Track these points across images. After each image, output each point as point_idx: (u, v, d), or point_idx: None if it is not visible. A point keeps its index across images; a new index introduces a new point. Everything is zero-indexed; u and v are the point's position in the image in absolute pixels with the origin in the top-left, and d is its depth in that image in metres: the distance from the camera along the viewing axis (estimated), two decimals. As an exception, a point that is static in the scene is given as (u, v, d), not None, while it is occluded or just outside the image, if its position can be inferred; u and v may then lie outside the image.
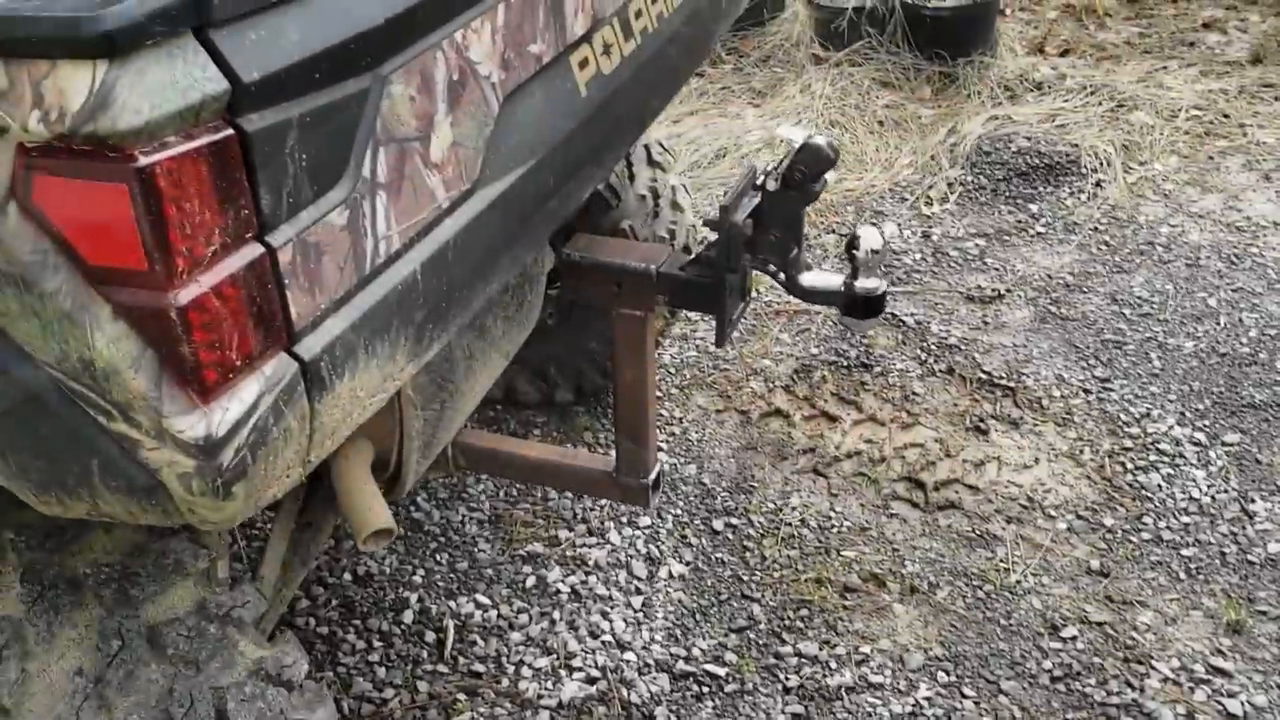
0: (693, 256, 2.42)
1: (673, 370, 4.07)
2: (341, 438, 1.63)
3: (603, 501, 3.50)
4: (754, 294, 2.45)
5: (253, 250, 1.34)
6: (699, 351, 4.16)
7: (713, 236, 2.32)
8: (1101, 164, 5.04)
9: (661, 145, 3.45)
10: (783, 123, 2.33)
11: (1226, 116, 5.40)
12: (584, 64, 2.06)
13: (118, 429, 1.36)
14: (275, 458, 1.45)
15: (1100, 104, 5.51)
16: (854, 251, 2.27)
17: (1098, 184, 4.96)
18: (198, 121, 1.24)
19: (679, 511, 3.48)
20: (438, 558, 3.34)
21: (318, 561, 3.34)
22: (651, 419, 2.69)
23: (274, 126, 1.33)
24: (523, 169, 1.89)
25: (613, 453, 2.84)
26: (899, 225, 4.82)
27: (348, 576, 3.29)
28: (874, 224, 2.26)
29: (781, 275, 2.32)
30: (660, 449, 3.67)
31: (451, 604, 3.19)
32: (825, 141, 2.19)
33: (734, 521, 3.43)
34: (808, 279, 2.35)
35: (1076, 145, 5.14)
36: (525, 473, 2.88)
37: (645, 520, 3.44)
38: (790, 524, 3.41)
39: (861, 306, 2.31)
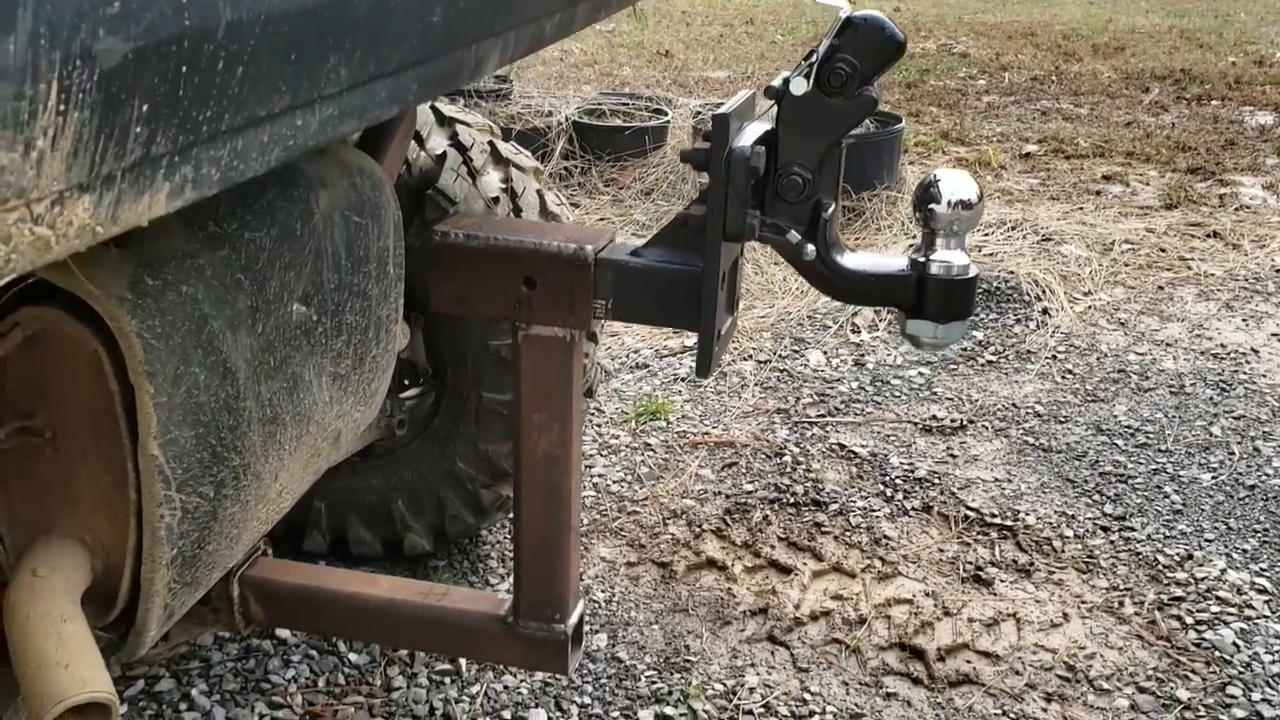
0: (654, 235, 1.48)
1: (565, 513, 3.04)
2: None
3: (474, 689, 2.39)
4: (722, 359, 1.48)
5: None
6: (597, 490, 3.16)
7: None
8: (1044, 292, 4.39)
9: (516, 145, 2.58)
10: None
11: (1163, 250, 4.88)
12: None
13: None
14: None
15: (1025, 237, 4.93)
16: (932, 207, 1.37)
17: (1044, 312, 4.28)
18: None
19: (588, 699, 2.39)
20: (218, 780, 2.15)
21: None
22: (575, 522, 1.67)
23: None
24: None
25: (505, 589, 1.80)
26: (825, 353, 4.00)
27: (67, 816, 2.05)
28: (956, 168, 1.44)
29: (809, 250, 1.39)
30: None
31: None
32: (885, 17, 1.32)
33: (669, 711, 2.36)
34: (853, 260, 1.42)
35: (1013, 273, 4.49)
36: (363, 624, 1.78)
37: (538, 715, 2.34)
38: (750, 712, 2.36)
39: (941, 300, 1.39)
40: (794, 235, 1.39)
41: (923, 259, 1.40)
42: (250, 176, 0.86)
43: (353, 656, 2.46)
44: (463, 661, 2.46)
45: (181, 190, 0.76)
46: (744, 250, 1.53)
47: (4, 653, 1.37)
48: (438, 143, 2.42)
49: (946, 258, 1.39)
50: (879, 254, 1.46)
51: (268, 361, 1.57)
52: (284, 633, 2.51)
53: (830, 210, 1.39)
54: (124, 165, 0.69)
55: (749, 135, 1.37)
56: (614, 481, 3.21)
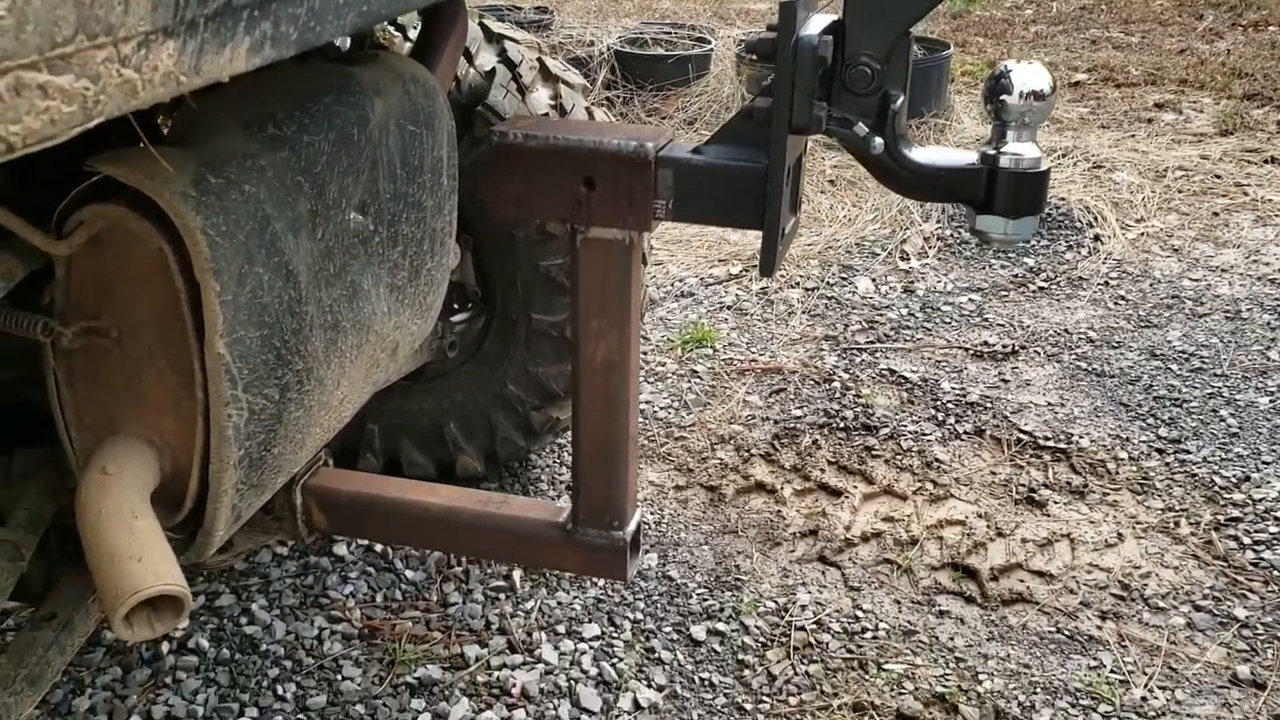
0: (716, 131, 1.45)
1: (614, 437, 3.04)
2: None
3: (528, 605, 2.41)
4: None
5: None
6: (644, 416, 3.16)
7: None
8: (1096, 219, 4.31)
9: (564, 62, 2.56)
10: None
11: (1218, 177, 4.77)
12: None
13: None
14: None
15: (1076, 165, 4.84)
16: (1003, 99, 1.34)
17: (1096, 238, 4.21)
18: None
19: (640, 615, 2.41)
20: (279, 690, 2.19)
21: (91, 698, 2.15)
22: (634, 431, 1.67)
23: None
24: None
25: (564, 498, 1.80)
26: (874, 280, 3.96)
27: (135, 722, 2.11)
28: (1028, 60, 1.41)
29: (877, 143, 1.37)
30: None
31: (299, 761, 2.04)
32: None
33: (720, 627, 2.37)
34: (921, 154, 1.40)
35: (1064, 199, 4.42)
36: (423, 532, 1.79)
37: (592, 629, 2.36)
38: (803, 628, 2.37)
39: (1011, 194, 1.36)
40: (861, 128, 1.36)
41: (993, 152, 1.37)
42: (325, 41, 0.84)
43: (409, 573, 2.49)
44: (516, 577, 2.48)
45: (260, 47, 0.75)
46: (806, 150, 1.51)
47: (78, 551, 1.39)
48: (486, 59, 2.39)
49: (1017, 150, 1.36)
50: (948, 148, 1.43)
51: (328, 268, 1.57)
52: (341, 549, 2.54)
53: (899, 102, 1.37)
54: (207, 12, 0.68)
55: (816, 25, 1.34)
56: (661, 408, 3.21)
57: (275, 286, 1.42)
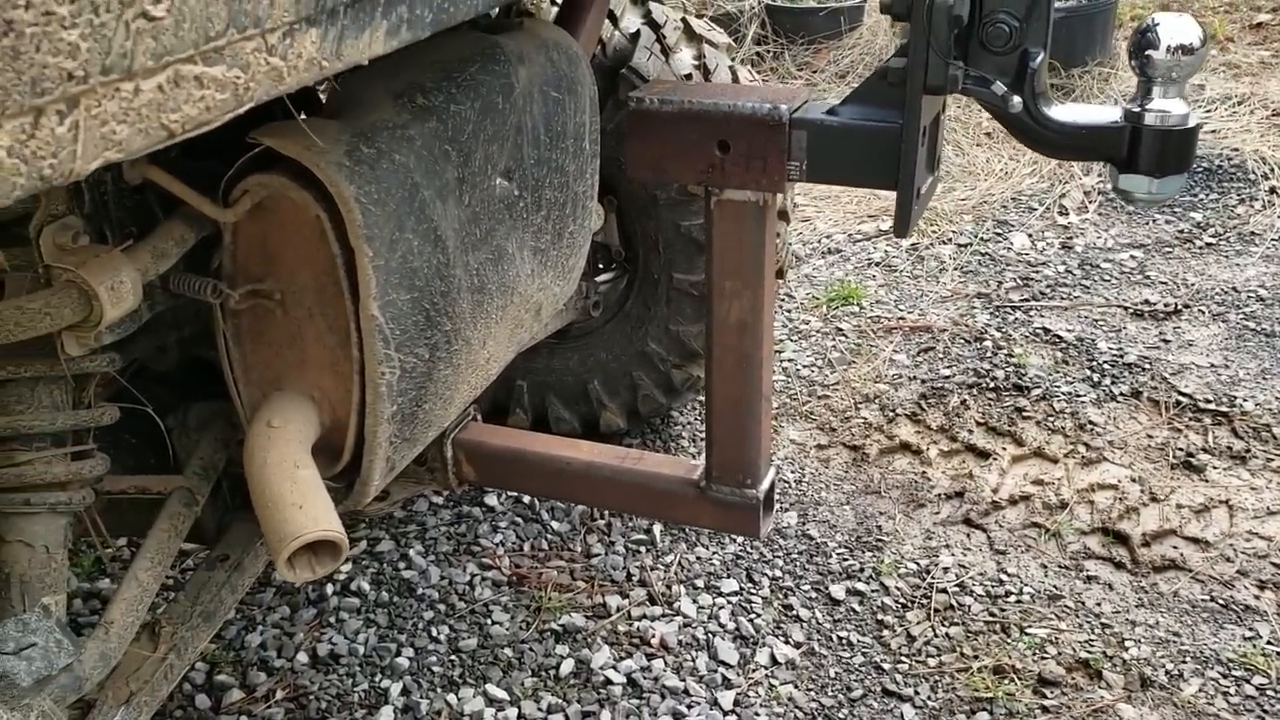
0: (851, 91, 1.45)
1: (757, 395, 3.06)
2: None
3: (668, 559, 2.47)
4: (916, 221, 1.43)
5: None
6: (786, 374, 3.16)
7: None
8: (1272, 170, 4.08)
9: (708, 22, 2.55)
10: None
11: None
12: None
13: None
14: None
15: (1253, 113, 4.58)
16: (1149, 54, 1.29)
17: (1272, 191, 3.99)
18: None
19: (778, 573, 2.43)
20: (433, 632, 2.31)
21: (261, 635, 2.31)
22: (767, 390, 1.69)
23: None
24: None
25: (700, 456, 1.84)
26: (1030, 236, 3.85)
27: (303, 657, 2.26)
28: (1177, 12, 1.37)
29: (1015, 102, 1.34)
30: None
31: (451, 698, 2.15)
32: None
33: (860, 587, 2.38)
34: (1061, 112, 1.36)
35: (1238, 150, 4.19)
36: (565, 485, 1.86)
37: (730, 584, 2.40)
38: (944, 590, 2.36)
39: (1156, 152, 1.32)
40: (999, 87, 1.33)
41: (1137, 109, 1.33)
42: (460, 20, 0.88)
43: (555, 524, 2.58)
44: (657, 531, 2.54)
45: (398, 30, 0.80)
46: (945, 108, 1.49)
47: (248, 498, 1.50)
48: (631, 21, 2.42)
49: (1163, 107, 1.31)
50: (1090, 105, 1.39)
51: (474, 233, 1.63)
52: (491, 500, 2.65)
53: (1039, 59, 1.33)
54: (346, 0, 0.72)
55: (955, -22, 1.32)
56: (804, 366, 3.21)
57: (425, 251, 1.49)
